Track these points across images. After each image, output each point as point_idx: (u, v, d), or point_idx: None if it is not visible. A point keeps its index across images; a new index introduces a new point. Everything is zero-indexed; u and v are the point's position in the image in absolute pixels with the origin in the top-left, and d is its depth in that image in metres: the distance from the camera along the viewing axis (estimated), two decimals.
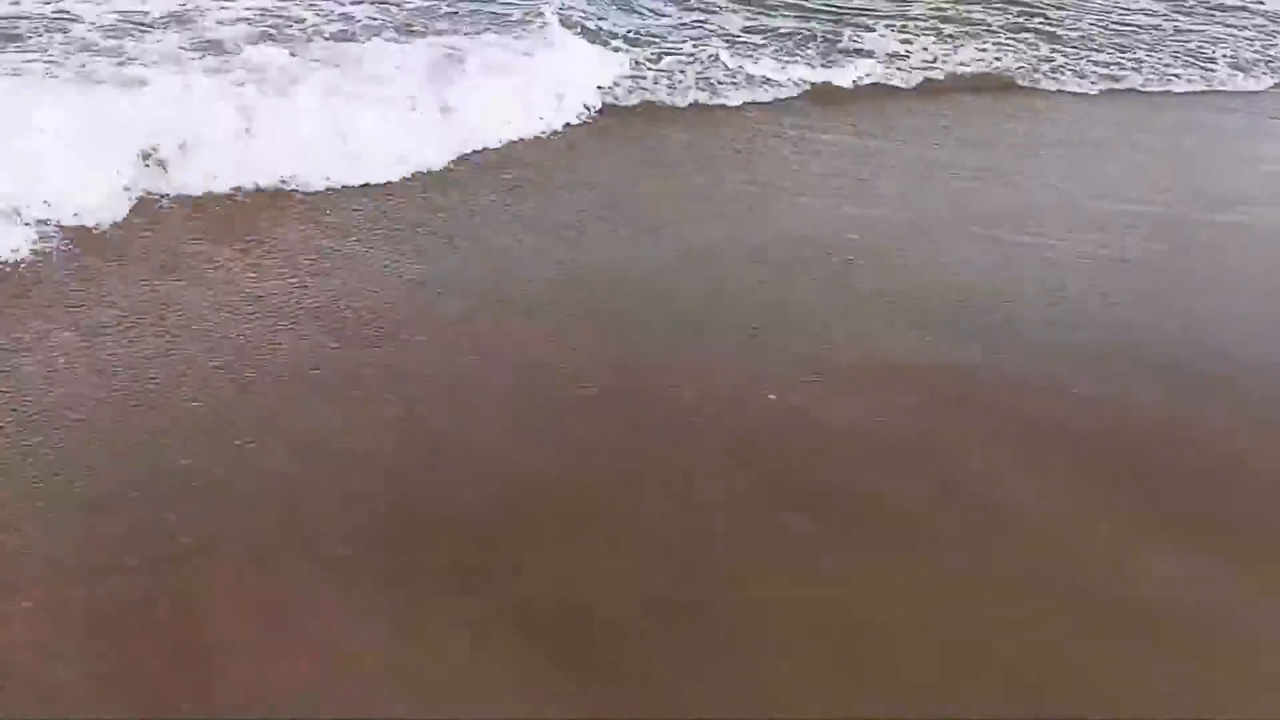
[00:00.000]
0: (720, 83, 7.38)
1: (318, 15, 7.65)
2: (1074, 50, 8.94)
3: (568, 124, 6.36)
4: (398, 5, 8.11)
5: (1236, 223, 5.51)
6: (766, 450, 3.49)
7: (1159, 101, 8.08)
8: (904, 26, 9.10)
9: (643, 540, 3.06)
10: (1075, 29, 9.54)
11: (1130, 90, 8.24)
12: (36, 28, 6.78)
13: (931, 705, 2.55)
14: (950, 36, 8.93)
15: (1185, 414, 3.81)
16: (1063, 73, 8.50)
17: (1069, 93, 8.07)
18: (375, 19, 7.83)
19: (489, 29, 7.66)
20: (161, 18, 7.26)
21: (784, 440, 3.55)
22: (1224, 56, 9.13)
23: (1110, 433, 3.69)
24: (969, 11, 9.69)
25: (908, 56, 8.38)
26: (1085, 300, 4.56)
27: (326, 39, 7.19)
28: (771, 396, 3.75)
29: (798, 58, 8.02)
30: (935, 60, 8.40)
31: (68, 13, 7.11)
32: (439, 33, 7.58)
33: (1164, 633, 2.81)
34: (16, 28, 6.75)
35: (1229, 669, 2.70)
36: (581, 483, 3.27)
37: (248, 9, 7.56)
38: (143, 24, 7.07)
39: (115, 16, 7.13)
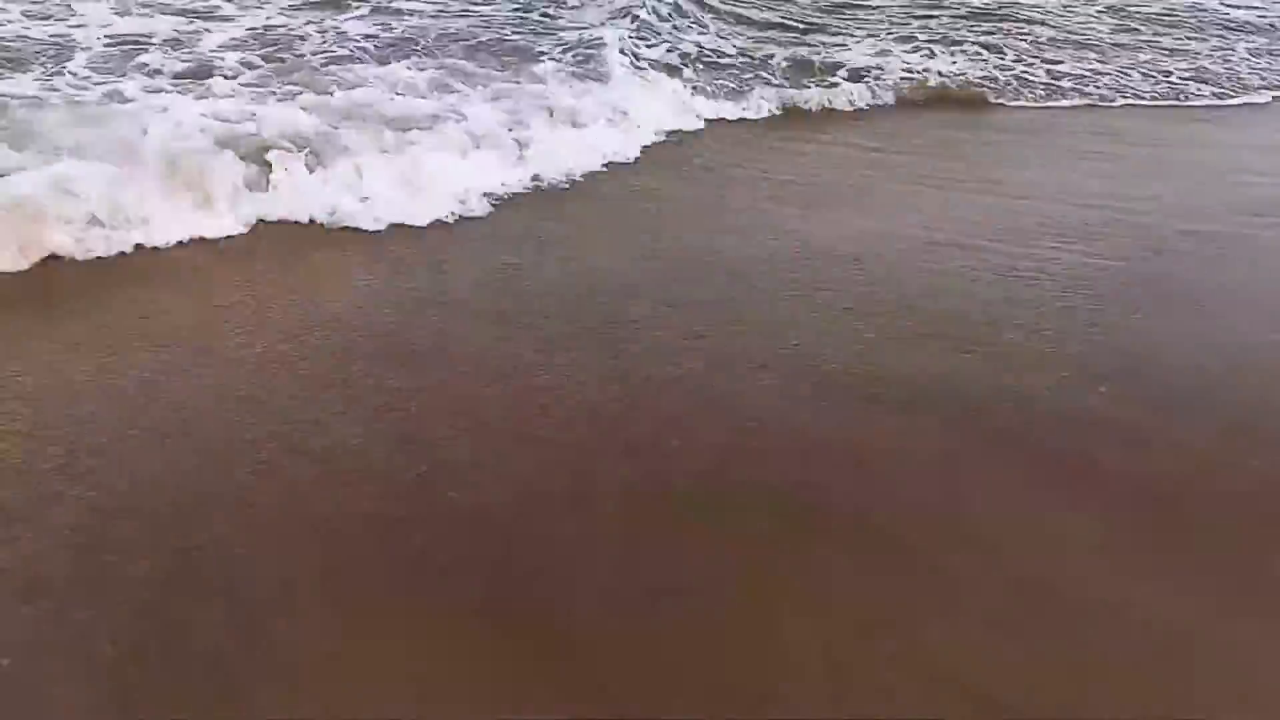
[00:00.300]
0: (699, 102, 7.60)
1: (319, 33, 7.76)
2: (1045, 64, 9.25)
3: (640, 152, 6.51)
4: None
5: (1217, 231, 5.70)
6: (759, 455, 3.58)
7: (1132, 113, 8.35)
8: (878, 41, 9.42)
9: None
10: (1043, 43, 9.86)
11: (1100, 102, 8.52)
12: (38, 53, 6.83)
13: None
14: (918, 47, 9.27)
15: (1178, 423, 3.98)
16: (1033, 85, 8.79)
17: (1040, 107, 8.35)
18: (384, 45, 7.91)
19: (529, 59, 7.83)
20: (160, 43, 7.33)
21: (773, 447, 3.63)
22: (1181, 70, 9.48)
23: (1098, 446, 3.73)
24: (940, 27, 10.01)
25: (882, 70, 8.64)
26: (1073, 309, 4.71)
27: (328, 65, 7.29)
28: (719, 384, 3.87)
29: (777, 75, 8.31)
30: (911, 72, 8.67)
31: (67, 37, 7.16)
32: (438, 57, 7.71)
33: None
34: (20, 52, 6.80)
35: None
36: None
37: (247, 28, 7.66)
38: (143, 47, 7.14)
39: (112, 41, 7.19)
